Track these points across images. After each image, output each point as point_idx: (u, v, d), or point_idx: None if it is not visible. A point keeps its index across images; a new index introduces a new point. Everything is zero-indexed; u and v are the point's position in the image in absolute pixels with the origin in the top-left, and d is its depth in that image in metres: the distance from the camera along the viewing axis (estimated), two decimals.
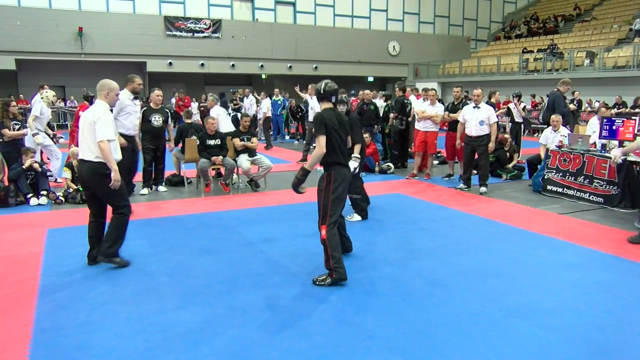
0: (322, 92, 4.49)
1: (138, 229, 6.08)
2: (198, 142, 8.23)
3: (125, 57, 22.83)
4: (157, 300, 4.02)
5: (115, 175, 4.58)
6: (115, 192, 4.67)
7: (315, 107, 11.83)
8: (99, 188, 4.67)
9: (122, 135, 6.64)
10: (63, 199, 7.44)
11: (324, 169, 4.45)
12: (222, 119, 9.36)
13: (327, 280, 4.33)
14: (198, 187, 8.47)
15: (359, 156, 5.65)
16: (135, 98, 7.22)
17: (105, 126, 4.57)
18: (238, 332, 3.48)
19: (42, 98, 8.94)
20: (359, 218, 6.57)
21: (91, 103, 10.94)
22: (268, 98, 15.52)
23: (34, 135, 8.38)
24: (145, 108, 8.01)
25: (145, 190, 8.09)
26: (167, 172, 8.73)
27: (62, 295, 4.11)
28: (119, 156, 4.85)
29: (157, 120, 7.90)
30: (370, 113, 10.88)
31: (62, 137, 10.78)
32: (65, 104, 22.49)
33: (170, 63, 23.55)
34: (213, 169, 8.64)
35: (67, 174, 7.71)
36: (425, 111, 9.34)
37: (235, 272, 4.65)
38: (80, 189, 7.50)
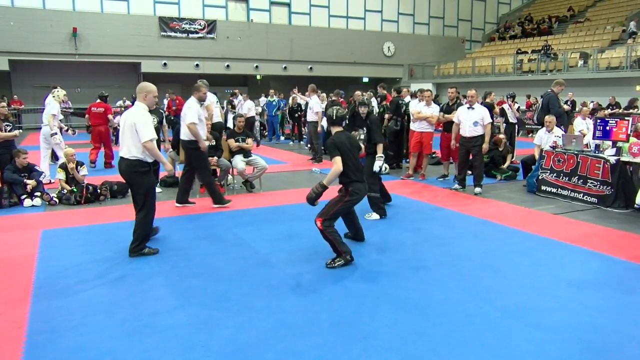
0: (334, 118, 5.01)
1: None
2: None
3: (120, 58, 22.78)
4: (153, 302, 4.01)
5: (168, 166, 5.38)
6: (146, 191, 5.07)
7: (314, 107, 11.86)
8: (133, 183, 5.09)
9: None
10: (57, 200, 7.41)
11: (342, 184, 5.01)
12: (213, 107, 9.47)
13: (339, 262, 4.81)
14: (193, 188, 8.44)
15: (382, 155, 5.97)
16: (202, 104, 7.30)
17: (145, 127, 4.92)
18: (234, 333, 3.47)
19: (53, 97, 9.36)
20: (377, 216, 6.61)
21: (105, 102, 11.33)
22: (250, 100, 15.52)
23: (52, 135, 8.99)
24: None
25: None
26: (162, 173, 8.69)
27: (56, 297, 4.09)
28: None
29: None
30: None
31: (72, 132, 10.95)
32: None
33: (165, 64, 23.50)
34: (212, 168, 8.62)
35: (61, 175, 7.67)
36: (421, 112, 9.35)
37: (230, 273, 4.64)
38: (75, 189, 7.49)
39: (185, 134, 6.96)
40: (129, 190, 7.87)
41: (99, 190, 7.68)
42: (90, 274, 4.61)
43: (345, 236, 5.48)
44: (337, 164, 4.77)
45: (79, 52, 21.76)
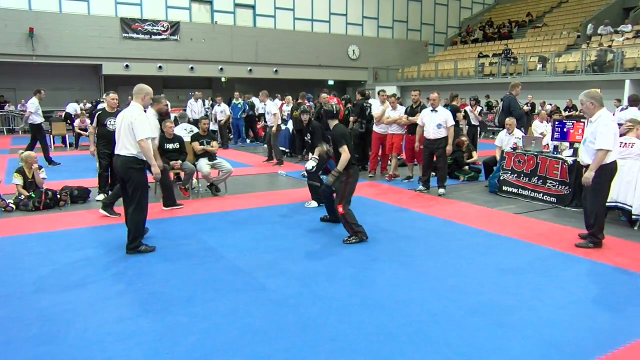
0: (334, 112, 6.04)
1: (94, 236, 5.93)
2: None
3: (80, 60, 22.20)
4: (115, 309, 3.92)
5: (155, 169, 5.35)
6: (140, 188, 5.24)
7: (271, 111, 11.89)
8: (128, 179, 5.23)
9: None
10: (14, 207, 7.15)
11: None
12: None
13: (354, 239, 5.66)
14: (156, 192, 8.30)
15: (317, 157, 6.54)
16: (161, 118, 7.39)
17: (142, 126, 5.16)
18: (199, 339, 3.42)
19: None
20: (315, 204, 7.14)
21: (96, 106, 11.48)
22: (223, 103, 15.60)
23: None
24: (100, 112, 7.81)
25: (101, 196, 7.86)
26: None
27: (13, 307, 3.95)
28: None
29: (112, 124, 7.67)
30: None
31: None
32: (15, 108, 21.68)
33: (127, 66, 23.04)
34: (172, 173, 8.48)
35: (18, 180, 7.41)
36: (390, 116, 9.51)
37: (195, 279, 4.58)
38: (33, 195, 7.26)
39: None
40: (89, 196, 7.80)
41: (58, 196, 7.46)
42: (49, 282, 4.47)
43: (321, 220, 6.59)
44: (345, 152, 5.60)
45: (36, 54, 21.09)
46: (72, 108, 19.41)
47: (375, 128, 10.01)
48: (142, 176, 5.28)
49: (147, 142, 5.18)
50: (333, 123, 5.96)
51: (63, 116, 18.36)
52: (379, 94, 10.40)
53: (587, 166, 5.44)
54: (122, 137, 5.21)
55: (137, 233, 5.25)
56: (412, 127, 9.29)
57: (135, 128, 5.13)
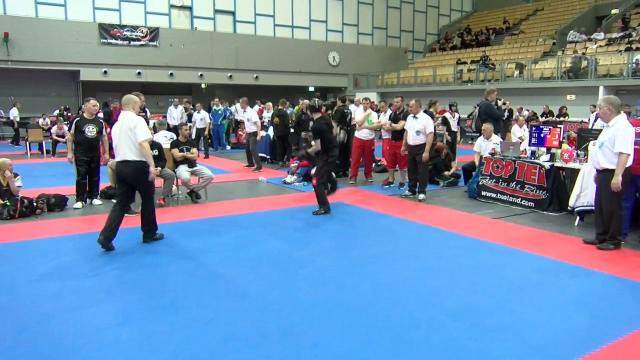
0: (317, 106, 7.33)
1: (71, 244, 5.83)
2: None
3: (57, 65, 21.83)
4: (93, 318, 3.85)
5: (153, 168, 5.70)
6: (151, 185, 5.86)
7: (251, 118, 11.85)
8: (139, 182, 5.70)
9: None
10: None
11: (324, 151, 7.26)
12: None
13: (321, 211, 7.19)
14: (135, 199, 8.19)
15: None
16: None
17: (143, 129, 5.56)
18: (179, 348, 3.39)
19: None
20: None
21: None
22: (203, 110, 15.38)
23: None
24: (78, 118, 7.71)
25: (79, 204, 7.76)
26: (102, 185, 8.42)
27: None
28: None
29: (90, 131, 7.61)
30: (308, 123, 11.01)
31: None
32: None
33: (105, 72, 22.75)
34: None
35: None
36: (387, 123, 9.62)
37: (175, 286, 4.53)
38: (8, 203, 7.10)
39: None
40: (67, 204, 7.66)
41: (35, 204, 7.31)
42: (25, 292, 4.38)
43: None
44: (317, 144, 7.10)
45: (11, 59, 20.69)
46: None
47: (356, 134, 10.08)
48: (148, 176, 5.70)
49: (147, 143, 5.58)
50: (316, 116, 7.23)
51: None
52: (364, 100, 10.48)
53: (604, 170, 5.57)
54: (123, 144, 5.54)
55: (152, 224, 5.88)
56: (395, 134, 9.36)
57: (138, 131, 5.49)
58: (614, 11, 24.51)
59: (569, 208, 7.07)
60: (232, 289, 4.46)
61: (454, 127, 12.59)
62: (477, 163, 8.92)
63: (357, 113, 10.56)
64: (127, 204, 6.06)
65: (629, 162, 5.49)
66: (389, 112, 9.92)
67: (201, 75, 25.08)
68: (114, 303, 4.17)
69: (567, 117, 17.90)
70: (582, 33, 23.05)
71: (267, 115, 15.15)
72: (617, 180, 5.40)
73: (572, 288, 4.57)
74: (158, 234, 5.98)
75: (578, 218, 6.91)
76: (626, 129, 5.43)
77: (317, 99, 7.67)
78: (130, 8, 24.00)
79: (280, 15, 28.26)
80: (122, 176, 5.72)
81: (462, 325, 3.74)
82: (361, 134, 9.93)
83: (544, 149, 7.97)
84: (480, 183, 8.49)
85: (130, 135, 5.51)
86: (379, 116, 10.47)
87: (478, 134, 9.84)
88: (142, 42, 23.55)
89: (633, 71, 17.82)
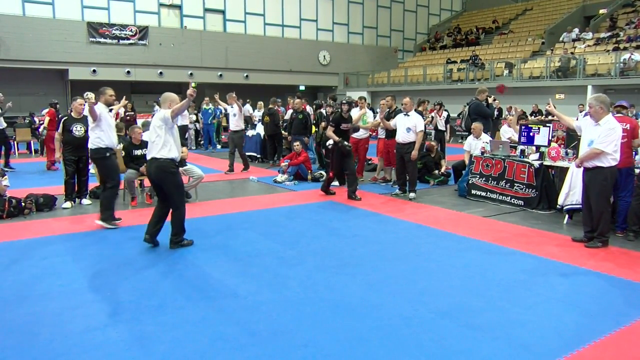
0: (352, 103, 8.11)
1: (60, 245, 5.78)
2: (123, 152, 7.93)
3: (45, 64, 21.61)
4: (82, 319, 3.82)
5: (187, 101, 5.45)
6: (179, 186, 5.61)
7: (238, 114, 11.71)
8: (164, 183, 5.51)
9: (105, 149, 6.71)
10: None
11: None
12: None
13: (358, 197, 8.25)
14: (125, 199, 8.16)
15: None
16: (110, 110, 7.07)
17: (162, 111, 5.50)
18: (169, 349, 3.37)
19: None
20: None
21: (56, 109, 12.08)
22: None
23: None
24: (65, 117, 7.65)
25: (68, 204, 7.70)
26: (91, 185, 8.35)
27: None
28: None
29: (78, 130, 7.54)
30: (299, 122, 11.04)
31: None
32: None
33: (94, 70, 22.57)
34: (137, 181, 8.36)
35: None
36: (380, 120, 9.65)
37: (165, 287, 4.51)
38: None
39: (94, 143, 6.69)
40: (55, 204, 7.59)
41: (23, 204, 7.24)
42: (13, 293, 4.34)
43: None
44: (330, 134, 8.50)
45: None
46: None
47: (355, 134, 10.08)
48: (178, 178, 5.60)
49: (170, 113, 5.39)
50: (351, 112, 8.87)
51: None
52: (360, 100, 10.48)
53: (593, 167, 5.66)
54: (154, 141, 5.45)
55: (180, 229, 5.66)
56: (389, 132, 9.38)
57: (160, 114, 5.45)
58: (602, 11, 24.73)
59: (557, 206, 7.13)
60: (222, 289, 4.45)
61: (441, 125, 12.65)
62: (467, 162, 8.96)
63: (353, 112, 10.56)
64: (166, 199, 5.69)
65: (615, 162, 5.57)
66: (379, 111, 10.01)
67: (191, 74, 24.95)
68: (102, 303, 4.13)
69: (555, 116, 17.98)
70: (570, 32, 23.23)
71: (258, 114, 15.10)
72: (578, 162, 5.81)
73: (560, 286, 4.60)
74: (186, 239, 5.74)
75: (567, 216, 6.97)
76: (614, 129, 5.50)
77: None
78: (119, 6, 23.82)
79: (271, 14, 28.20)
80: (149, 174, 5.66)
81: (452, 323, 3.76)
82: (355, 132, 9.92)
83: (533, 148, 8.02)
84: (470, 182, 8.53)
85: (157, 130, 5.40)
86: (374, 116, 10.51)
87: (468, 133, 9.89)
88: (131, 41, 23.38)
89: (621, 70, 17.99)
